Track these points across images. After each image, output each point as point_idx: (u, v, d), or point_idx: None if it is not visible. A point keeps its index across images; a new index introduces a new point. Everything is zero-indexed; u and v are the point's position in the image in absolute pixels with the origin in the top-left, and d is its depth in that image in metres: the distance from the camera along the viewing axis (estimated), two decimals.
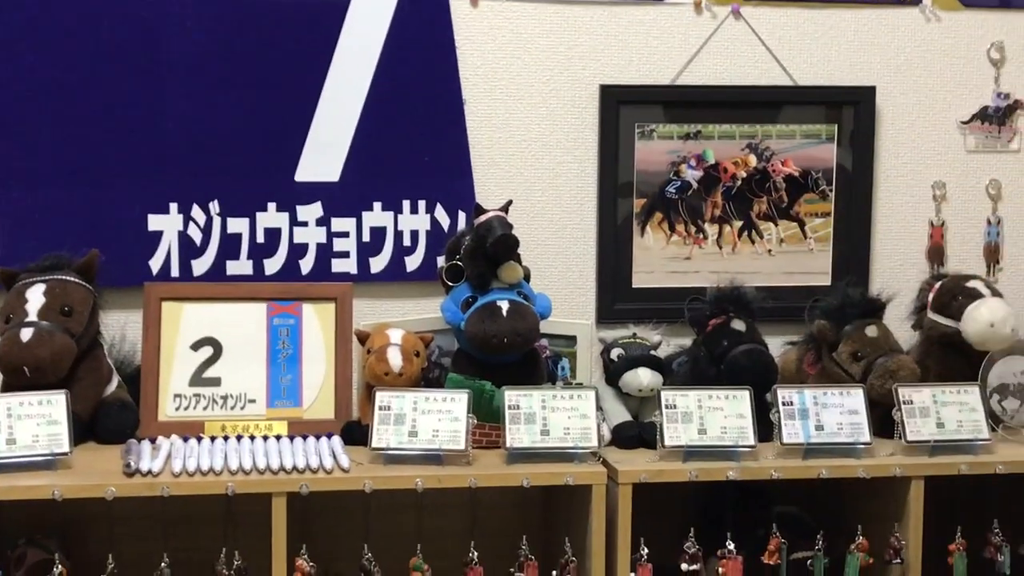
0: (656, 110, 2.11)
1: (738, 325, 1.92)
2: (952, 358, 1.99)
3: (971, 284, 2.00)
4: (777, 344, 2.07)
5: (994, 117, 2.19)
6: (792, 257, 2.17)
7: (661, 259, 2.14)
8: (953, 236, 2.21)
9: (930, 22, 2.16)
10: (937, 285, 2.03)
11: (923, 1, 2.15)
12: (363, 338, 1.87)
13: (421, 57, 2.03)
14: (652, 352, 1.91)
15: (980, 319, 1.94)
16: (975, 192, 2.21)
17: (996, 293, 2.00)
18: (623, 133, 2.10)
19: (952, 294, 2.00)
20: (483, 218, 1.86)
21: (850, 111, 2.15)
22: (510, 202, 1.93)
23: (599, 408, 1.83)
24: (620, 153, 2.10)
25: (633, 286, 2.13)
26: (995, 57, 2.18)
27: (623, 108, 2.09)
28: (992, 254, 2.22)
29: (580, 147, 2.10)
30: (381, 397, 1.75)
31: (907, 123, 2.18)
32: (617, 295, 2.12)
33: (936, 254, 2.20)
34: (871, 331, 1.94)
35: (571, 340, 2.03)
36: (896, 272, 2.18)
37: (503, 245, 1.83)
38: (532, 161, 2.09)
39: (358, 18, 2.00)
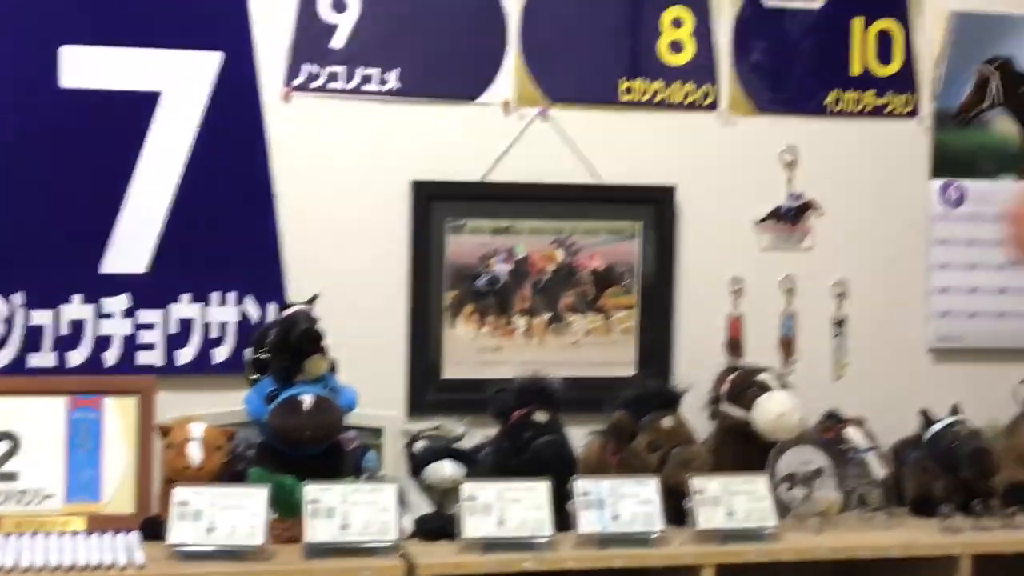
0: (467, 205, 2.17)
1: (540, 417, 1.98)
2: (745, 447, 2.08)
3: (761, 377, 2.10)
4: (582, 434, 2.13)
5: (787, 217, 2.31)
6: (598, 348, 2.24)
7: (471, 350, 2.19)
8: (750, 329, 2.31)
9: (727, 126, 2.28)
10: (731, 377, 2.13)
11: (719, 106, 2.27)
12: (165, 432, 1.87)
13: (233, 150, 2.06)
14: (456, 444, 1.95)
15: (769, 410, 2.03)
16: (770, 287, 2.32)
17: (785, 385, 2.10)
18: (434, 227, 2.15)
19: (744, 386, 2.09)
20: (288, 312, 1.89)
21: (652, 209, 2.24)
22: (316, 296, 1.96)
23: (403, 501, 1.87)
24: (431, 247, 2.15)
25: (443, 377, 2.18)
26: (788, 160, 2.31)
27: (434, 203, 2.15)
28: (787, 347, 2.33)
29: (392, 241, 2.15)
30: (179, 493, 1.75)
31: (706, 221, 2.28)
32: (428, 387, 2.16)
33: (734, 346, 2.30)
34: (667, 422, 2.02)
35: (379, 432, 2.06)
36: (696, 363, 2.27)
37: (307, 338, 1.86)
38: (344, 254, 2.13)
39: (170, 109, 2.02)
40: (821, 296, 2.34)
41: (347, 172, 2.12)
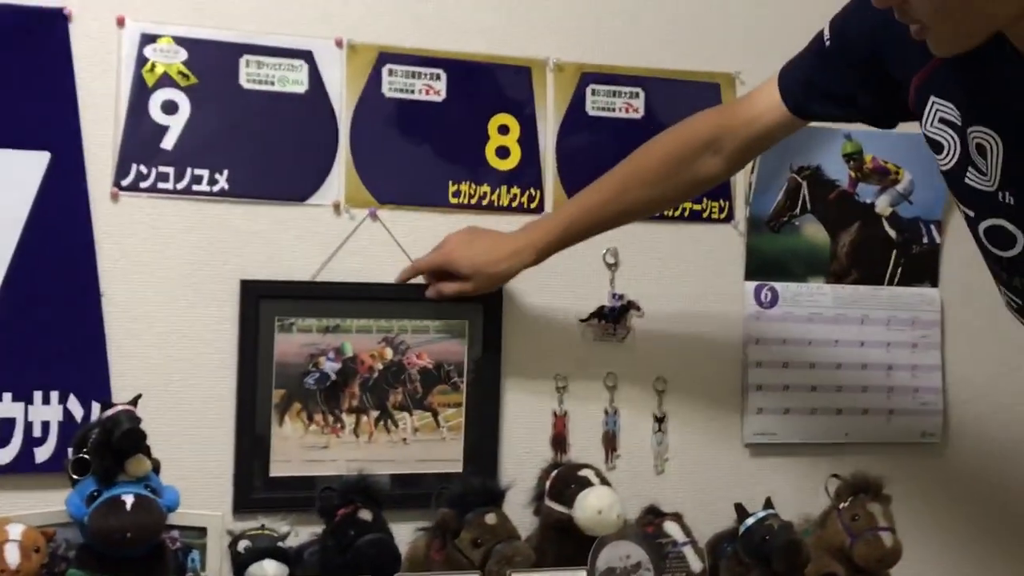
0: (296, 304, 2.20)
1: (364, 515, 2.00)
2: (567, 543, 2.13)
3: (583, 473, 2.16)
4: (409, 531, 2.16)
5: (610, 315, 2.40)
6: (426, 446, 2.28)
7: (299, 448, 2.20)
8: (575, 425, 2.38)
9: None
10: (553, 473, 2.18)
11: (545, 207, 2.35)
12: None
13: (58, 249, 2.05)
14: (280, 543, 1.96)
15: (589, 506, 2.09)
16: (594, 385, 2.40)
17: (605, 482, 2.16)
18: (263, 326, 2.18)
19: (566, 482, 2.15)
20: (110, 412, 1.88)
21: (479, 308, 2.30)
22: (139, 396, 1.96)
23: None
24: (260, 345, 2.17)
25: (271, 475, 2.19)
26: (610, 261, 2.40)
27: (263, 302, 2.18)
28: (610, 442, 2.40)
29: (220, 339, 2.16)
30: None
31: (532, 320, 2.35)
32: (255, 485, 2.17)
33: (559, 443, 2.36)
34: (490, 519, 2.06)
35: (203, 532, 2.05)
36: (523, 460, 2.32)
37: (129, 439, 1.85)
38: (171, 352, 2.14)
39: None
40: (642, 392, 2.43)
41: (176, 271, 2.14)
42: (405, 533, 2.14)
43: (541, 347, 2.36)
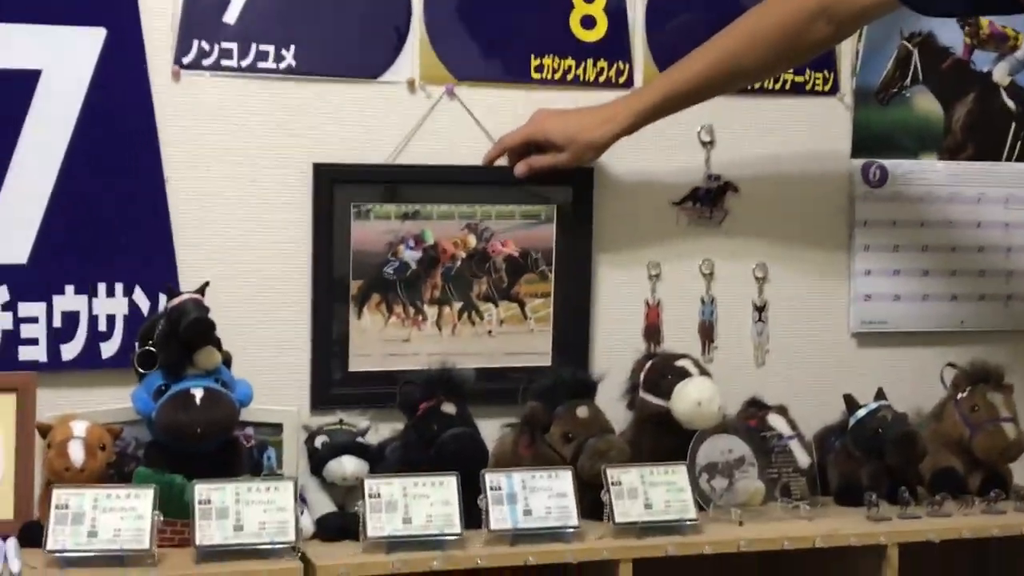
0: (372, 189, 2.07)
1: (448, 408, 1.88)
2: (664, 437, 1.99)
3: (680, 363, 2.01)
4: (495, 427, 2.04)
5: (705, 198, 2.23)
6: (512, 338, 2.14)
7: (379, 341, 2.08)
8: (669, 315, 2.23)
9: None
10: (648, 364, 2.04)
11: (634, 83, 2.18)
12: (44, 431, 1.75)
13: (118, 132, 1.93)
14: (359, 439, 1.85)
15: (687, 398, 1.95)
16: (689, 272, 2.24)
17: (704, 372, 2.02)
18: (338, 213, 2.05)
19: (662, 373, 2.01)
20: (176, 301, 1.78)
21: (568, 192, 2.15)
22: (206, 284, 1.84)
23: (303, 499, 1.76)
24: (335, 233, 2.05)
25: (350, 370, 2.07)
26: (705, 139, 2.23)
27: (338, 187, 2.04)
28: (707, 332, 2.25)
29: (293, 227, 2.03)
30: (58, 495, 1.63)
31: (623, 205, 2.20)
32: (333, 380, 2.05)
33: (652, 333, 2.21)
34: (582, 412, 1.93)
35: (278, 428, 1.95)
36: (614, 352, 2.18)
37: (196, 329, 1.75)
38: (241, 241, 2.01)
39: (50, 88, 1.89)
40: (741, 279, 2.27)
41: (244, 154, 2.01)
42: (492, 429, 2.02)
43: (633, 233, 2.21)
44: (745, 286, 2.27)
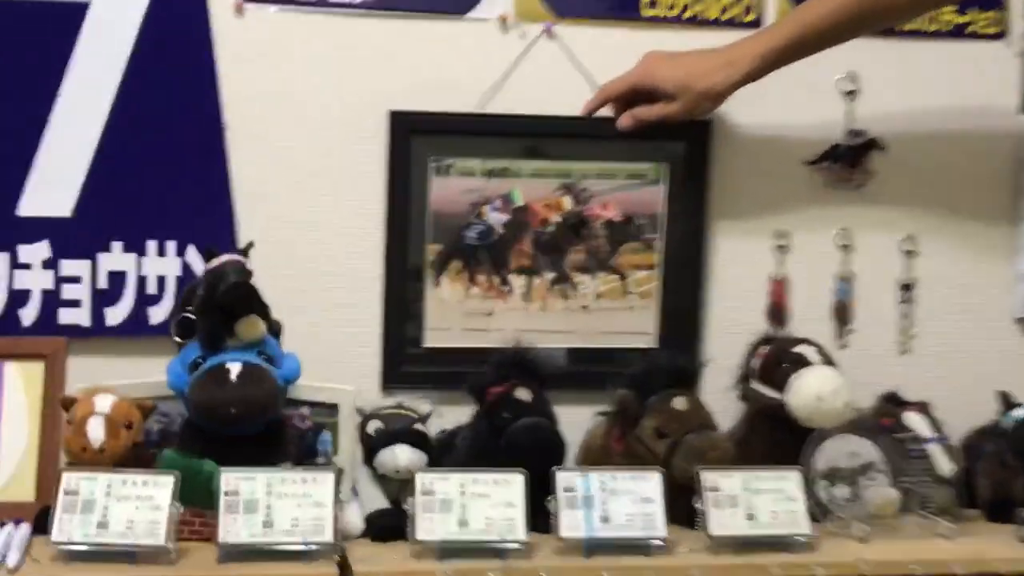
0: (455, 142, 1.83)
1: (522, 394, 1.64)
2: (779, 434, 1.71)
3: (799, 349, 1.72)
4: (588, 415, 1.79)
5: (846, 156, 1.93)
6: (611, 315, 1.89)
7: (459, 315, 1.85)
8: (798, 293, 1.94)
9: None
10: (763, 350, 1.76)
11: (763, 22, 1.89)
12: (67, 405, 1.57)
13: (174, 73, 1.74)
14: (417, 425, 1.62)
15: (806, 391, 1.67)
16: (823, 244, 1.94)
17: (828, 360, 1.73)
18: (416, 168, 1.82)
19: (778, 360, 1.72)
20: (215, 263, 1.57)
21: (681, 148, 1.88)
22: (251, 244, 1.64)
23: (355, 492, 1.55)
24: (412, 191, 1.82)
25: (425, 345, 1.85)
26: (847, 89, 1.92)
27: (416, 139, 1.81)
28: (841, 314, 1.95)
29: (365, 182, 1.82)
30: (67, 479, 1.45)
31: (746, 163, 1.91)
32: (406, 357, 1.83)
33: (777, 314, 1.93)
34: (679, 403, 1.66)
35: (334, 409, 1.74)
36: (731, 335, 1.90)
37: (235, 295, 1.55)
38: (306, 197, 1.81)
39: (99, 24, 1.71)
40: (885, 254, 1.96)
41: (311, 99, 1.80)
42: (584, 417, 1.77)
43: (756, 197, 1.92)
44: (889, 261, 1.96)
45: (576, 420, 1.78)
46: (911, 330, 1.97)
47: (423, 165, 1.82)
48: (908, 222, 1.96)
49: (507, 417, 1.61)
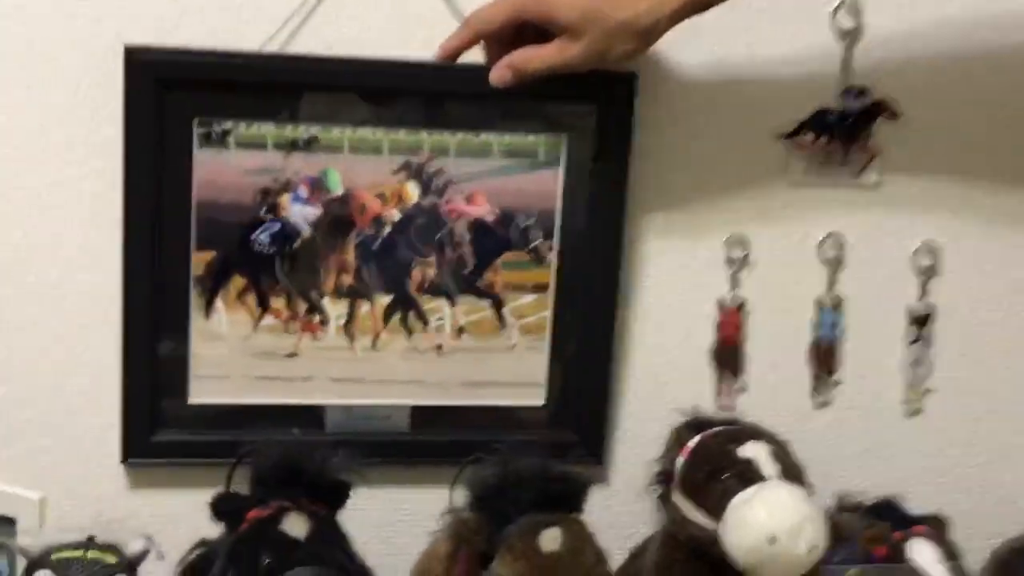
0: (234, 98, 1.18)
1: (294, 525, 1.02)
2: None
3: (746, 450, 1.09)
4: (435, 506, 1.17)
5: (839, 127, 1.29)
6: (479, 359, 1.26)
7: (243, 356, 1.23)
8: (759, 326, 1.31)
9: None
10: (693, 441, 1.13)
11: None
12: None
13: None
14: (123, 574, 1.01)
15: (752, 527, 1.04)
16: (800, 255, 1.31)
17: (789, 471, 1.10)
18: (172, 135, 1.17)
19: (715, 465, 1.10)
20: None
21: (588, 113, 1.23)
22: None
23: None
24: (167, 170, 1.18)
25: (191, 401, 1.23)
26: (846, 26, 1.27)
27: (171, 91, 1.16)
28: (823, 358, 1.33)
29: (94, 158, 1.18)
30: None
31: (686, 136, 1.27)
32: (160, 418, 1.22)
33: (727, 356, 1.30)
34: (549, 541, 1.04)
35: (11, 525, 1.13)
36: (657, 388, 1.29)
37: None
38: (6, 184, 1.18)
39: None
40: (891, 270, 1.33)
41: (6, 32, 1.16)
42: (431, 510, 1.16)
43: (702, 185, 1.28)
44: (897, 282, 1.33)
45: (419, 513, 1.18)
46: (923, 383, 1.35)
47: (183, 131, 1.17)
48: (927, 224, 1.32)
49: (267, 564, 1.00)
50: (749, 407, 1.29)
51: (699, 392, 1.30)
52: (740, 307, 1.31)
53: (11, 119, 1.16)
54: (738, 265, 1.30)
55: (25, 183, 1.17)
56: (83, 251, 1.19)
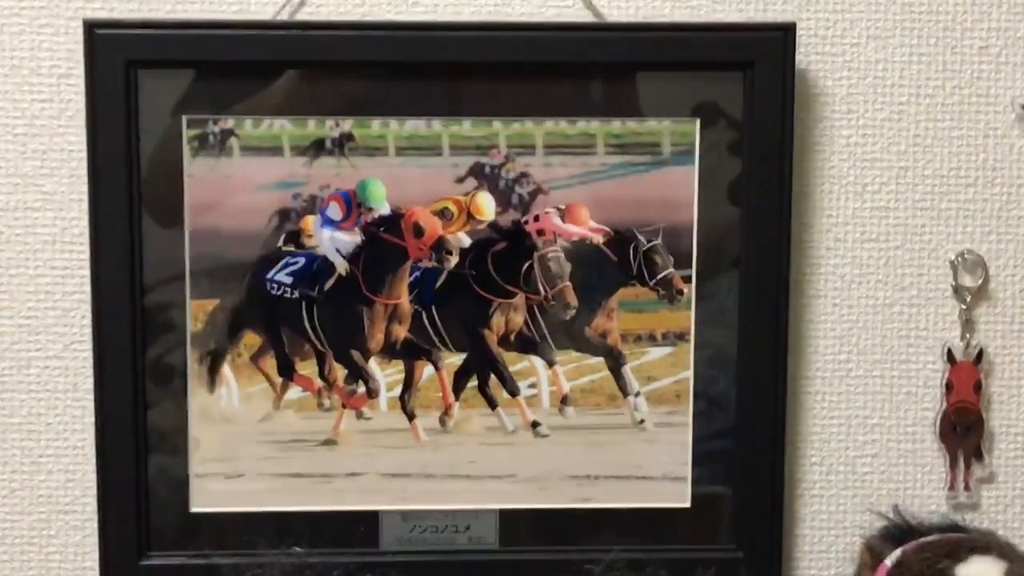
0: (235, 86, 0.86)
1: None
2: None
3: (971, 567, 0.69)
4: None
5: None
6: (593, 442, 0.89)
7: (261, 444, 0.89)
8: (1007, 390, 0.90)
9: None
10: (892, 558, 0.72)
11: None
12: None
13: None
14: None
15: None
16: None
17: None
18: (149, 133, 0.86)
19: None
20: None
21: (734, 84, 0.86)
22: None
23: None
24: (149, 188, 0.86)
25: (191, 509, 0.89)
26: None
27: (148, 78, 0.85)
28: None
29: (45, 170, 0.88)
30: None
31: (862, 116, 0.89)
32: (154, 529, 0.88)
33: (963, 420, 0.89)
34: None
35: None
36: (838, 503, 0.89)
37: None
38: None
39: None
40: None
41: None
42: None
43: (908, 178, 0.89)
44: None
45: None
46: None
47: (171, 133, 0.86)
48: None
49: None
50: (992, 504, 0.88)
51: (914, 483, 0.89)
52: (979, 358, 0.89)
53: None
54: (967, 306, 0.90)
55: None
56: (47, 296, 0.88)
